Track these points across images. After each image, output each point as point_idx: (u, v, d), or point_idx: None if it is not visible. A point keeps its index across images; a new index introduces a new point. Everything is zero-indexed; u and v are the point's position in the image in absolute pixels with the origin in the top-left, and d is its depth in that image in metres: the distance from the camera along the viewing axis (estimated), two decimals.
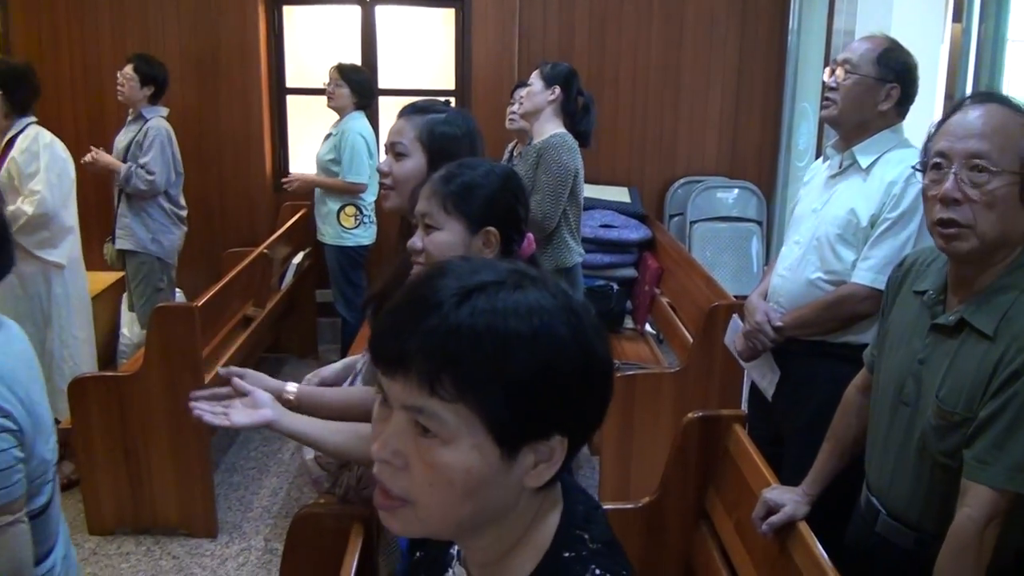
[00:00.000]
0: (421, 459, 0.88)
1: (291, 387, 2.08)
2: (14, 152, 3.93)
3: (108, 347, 5.23)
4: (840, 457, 2.14)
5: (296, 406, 2.03)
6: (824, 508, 2.11)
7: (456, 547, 1.05)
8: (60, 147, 4.11)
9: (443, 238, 1.81)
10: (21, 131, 3.98)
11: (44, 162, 3.97)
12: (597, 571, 0.93)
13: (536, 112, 3.79)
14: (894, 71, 2.54)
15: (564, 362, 0.88)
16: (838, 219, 2.57)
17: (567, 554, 0.94)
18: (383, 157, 2.24)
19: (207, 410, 1.87)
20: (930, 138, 1.82)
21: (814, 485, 2.13)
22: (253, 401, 1.89)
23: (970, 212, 1.71)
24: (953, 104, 1.85)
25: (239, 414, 1.87)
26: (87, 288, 4.41)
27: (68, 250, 4.16)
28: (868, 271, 2.50)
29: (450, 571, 1.06)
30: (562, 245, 3.71)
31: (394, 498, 0.90)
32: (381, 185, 2.23)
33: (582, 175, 3.74)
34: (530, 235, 1.92)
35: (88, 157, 4.54)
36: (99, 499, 3.77)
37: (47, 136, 4.07)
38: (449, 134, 2.18)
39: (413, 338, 0.86)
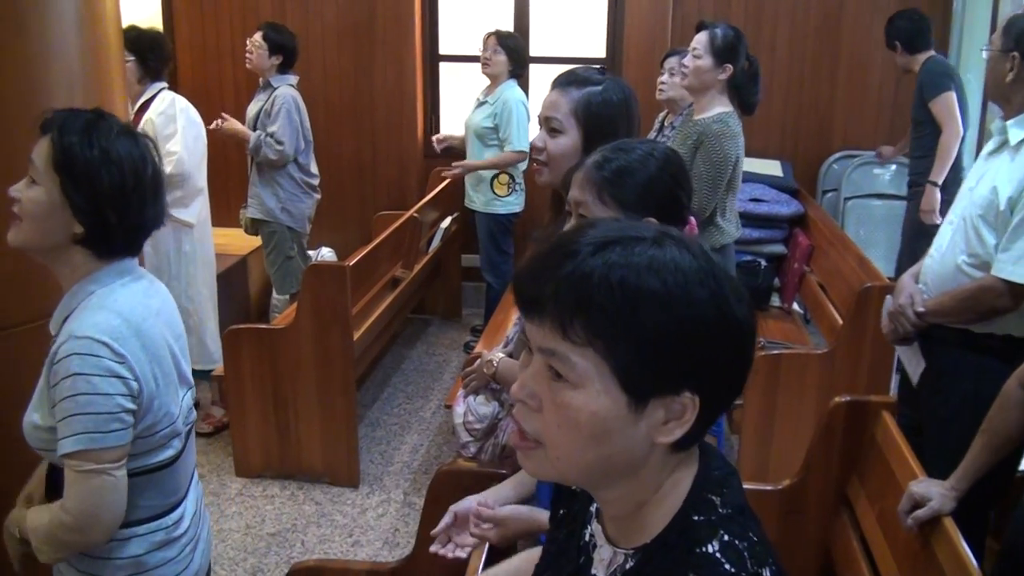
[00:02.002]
0: (552, 401, 0.91)
1: (495, 354, 2.20)
2: (150, 114, 4.06)
3: (261, 302, 5.49)
4: (995, 452, 2.03)
5: (493, 375, 2.18)
6: (968, 502, 2.02)
7: (595, 504, 1.07)
8: (193, 111, 4.25)
9: None
10: (155, 96, 4.13)
11: (181, 124, 4.11)
12: (725, 537, 0.93)
13: (704, 89, 3.53)
14: (1014, 39, 2.37)
15: (698, 322, 0.88)
16: (982, 198, 2.41)
17: (696, 517, 0.94)
18: (535, 127, 2.20)
19: (449, 551, 1.84)
20: None
21: (963, 480, 2.03)
22: (462, 517, 1.85)
23: None
24: None
25: (466, 536, 1.83)
26: (213, 247, 4.53)
27: (198, 210, 4.30)
28: (1006, 263, 2.32)
29: (588, 527, 1.08)
30: (713, 227, 3.54)
31: (528, 440, 0.94)
32: (534, 160, 2.17)
33: (743, 161, 3.53)
34: (693, 220, 1.84)
35: (215, 124, 4.64)
36: (247, 443, 3.99)
37: (182, 100, 4.22)
38: (606, 109, 2.08)
39: (548, 283, 0.90)
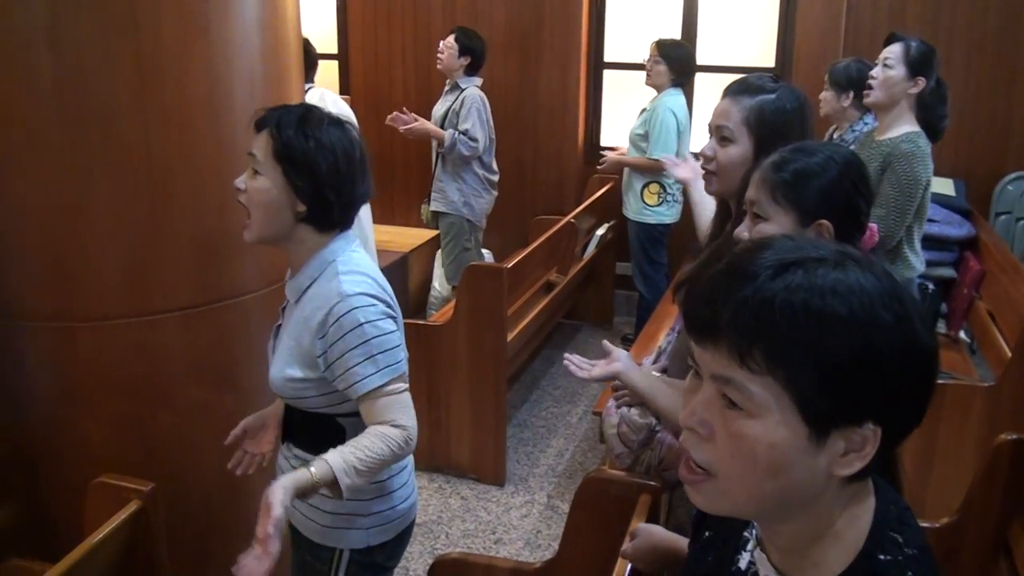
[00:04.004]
0: (726, 430, 0.88)
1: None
2: None
3: (419, 298, 5.65)
4: None
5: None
6: None
7: (753, 529, 1.04)
8: (344, 104, 4.41)
9: (770, 230, 1.69)
10: (304, 94, 4.31)
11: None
12: None
13: (892, 104, 3.36)
14: None
15: (883, 348, 0.84)
16: None
17: (883, 556, 0.90)
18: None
19: (575, 362, 2.04)
20: None
21: None
22: (610, 357, 2.03)
23: None
24: None
25: (598, 369, 2.03)
26: (373, 238, 4.68)
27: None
28: None
29: (745, 554, 1.05)
30: (900, 260, 3.36)
31: (698, 471, 0.91)
32: (704, 170, 2.13)
33: (931, 185, 3.33)
34: (873, 226, 1.78)
35: (404, 127, 4.82)
36: None
37: (331, 94, 4.40)
38: (779, 117, 2.02)
39: (725, 307, 0.86)
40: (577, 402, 4.87)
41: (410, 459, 2.08)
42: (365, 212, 4.40)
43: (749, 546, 1.05)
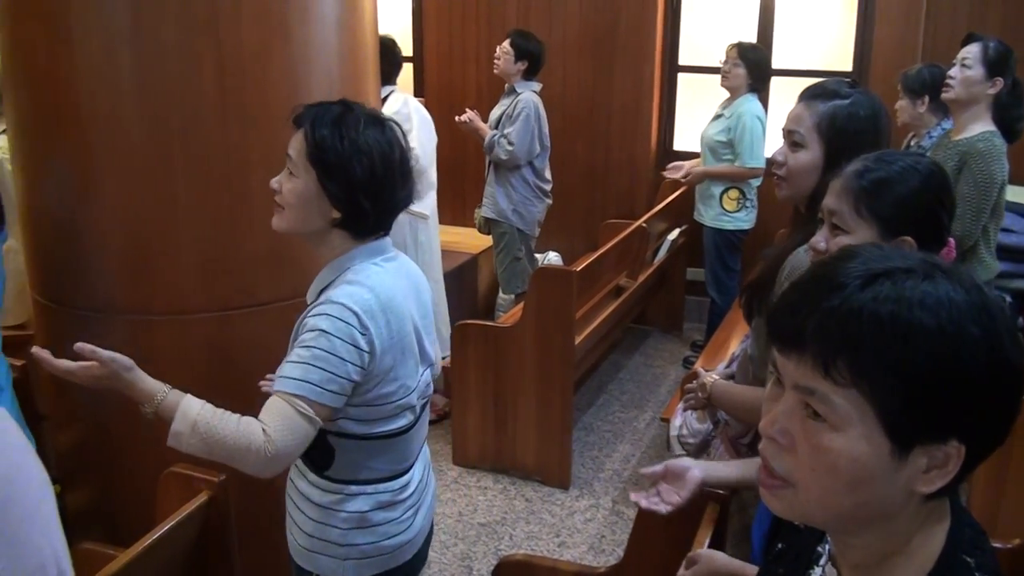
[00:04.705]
0: (807, 441, 0.87)
1: (709, 377, 2.20)
2: (385, 113, 4.28)
3: (488, 300, 5.67)
4: None
5: (708, 396, 2.18)
6: None
7: (826, 544, 1.03)
8: (424, 110, 4.48)
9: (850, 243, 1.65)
10: (386, 97, 4.32)
11: (416, 122, 4.35)
12: None
13: (970, 103, 3.34)
14: None
15: (970, 363, 0.82)
16: None
17: None
18: (772, 142, 2.16)
19: (647, 499, 1.87)
20: None
21: None
22: (676, 473, 1.88)
23: None
24: None
25: (673, 495, 1.86)
26: (439, 239, 4.75)
27: (431, 203, 4.53)
28: None
29: (817, 569, 1.04)
30: (976, 262, 3.31)
31: (776, 478, 0.90)
32: (773, 175, 2.11)
33: (1007, 185, 3.30)
34: (951, 241, 1.74)
35: (465, 116, 4.84)
36: (466, 434, 4.15)
37: (413, 100, 4.46)
38: (851, 124, 1.99)
39: (811, 317, 0.85)
40: (645, 408, 4.84)
41: (414, 496, 1.97)
42: (423, 227, 4.43)
43: (822, 561, 1.04)
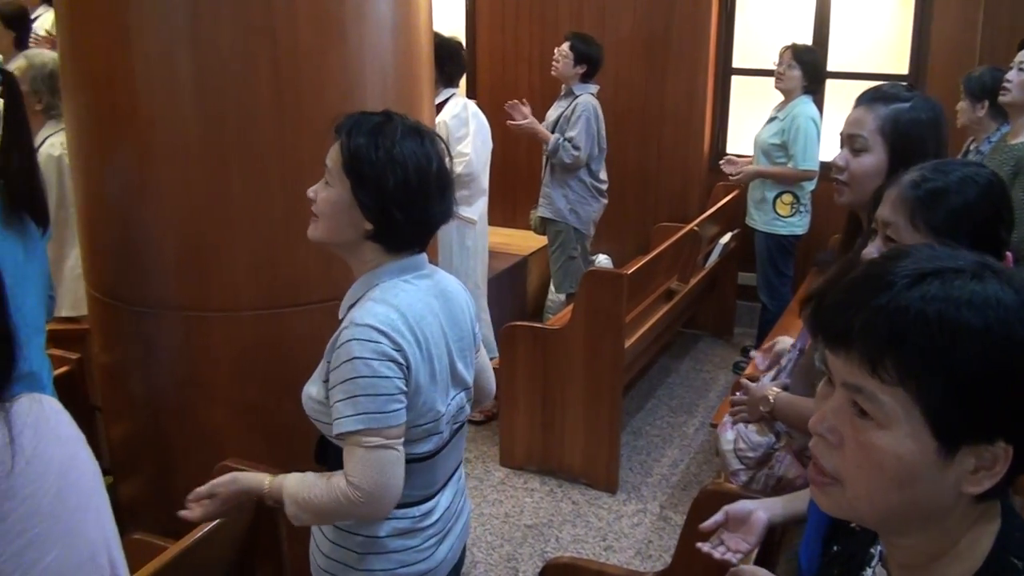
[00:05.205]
0: (855, 439, 0.88)
1: (771, 390, 2.13)
2: (443, 116, 4.30)
3: (537, 302, 5.67)
4: None
5: (771, 410, 2.10)
6: None
7: (878, 547, 1.03)
8: (482, 116, 4.50)
9: None
10: (447, 100, 4.37)
11: (472, 128, 4.39)
12: None
13: None
14: None
15: (1018, 363, 0.82)
16: None
17: None
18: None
19: (717, 551, 1.81)
20: None
21: None
22: (739, 519, 1.83)
23: None
24: None
25: (741, 543, 1.81)
26: (487, 244, 4.79)
27: (480, 209, 4.56)
28: None
29: (869, 569, 1.04)
30: None
31: (825, 475, 0.91)
32: (834, 180, 2.06)
33: None
34: (1008, 255, 1.66)
35: (522, 121, 4.84)
36: (513, 436, 4.15)
37: (472, 105, 4.49)
38: (914, 128, 1.95)
39: (859, 314, 0.86)
40: (694, 413, 4.80)
41: (438, 525, 1.91)
42: (470, 232, 4.44)
43: (873, 562, 1.04)
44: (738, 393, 2.29)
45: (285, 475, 1.79)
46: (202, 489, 1.84)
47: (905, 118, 1.96)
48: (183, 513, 1.84)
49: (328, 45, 2.41)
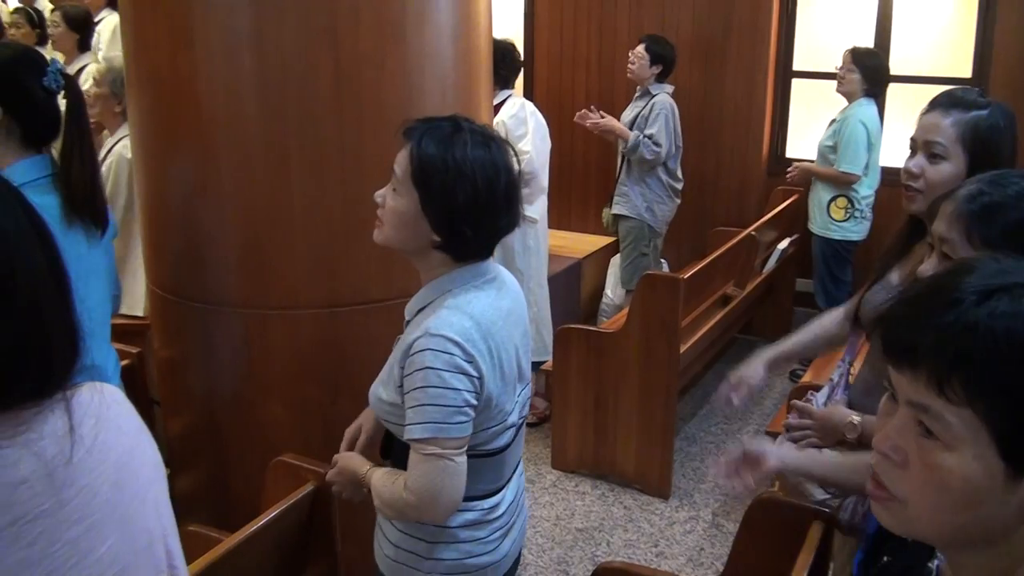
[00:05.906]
0: (920, 459, 0.85)
1: (855, 416, 2.00)
2: (502, 116, 4.33)
3: (591, 305, 5.65)
4: None
5: (857, 437, 1.98)
6: None
7: (936, 562, 1.00)
8: (540, 115, 4.52)
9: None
10: (504, 100, 4.39)
11: (531, 127, 4.40)
12: None
13: None
14: None
15: None
16: None
17: None
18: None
19: (725, 476, 1.86)
20: None
21: None
22: (753, 460, 1.84)
23: None
24: None
25: (759, 474, 1.83)
26: (547, 243, 4.78)
27: (541, 208, 4.57)
28: None
29: None
30: None
31: (886, 491, 0.89)
32: (906, 187, 2.00)
33: None
34: None
35: (601, 122, 4.87)
36: (566, 438, 4.14)
37: (530, 105, 4.51)
38: (993, 135, 1.90)
39: (925, 332, 0.84)
40: (749, 420, 4.74)
41: (504, 518, 1.94)
42: (532, 231, 4.45)
43: None
44: (791, 415, 2.18)
45: (376, 468, 1.88)
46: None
47: (984, 125, 1.92)
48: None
49: (388, 49, 2.43)
